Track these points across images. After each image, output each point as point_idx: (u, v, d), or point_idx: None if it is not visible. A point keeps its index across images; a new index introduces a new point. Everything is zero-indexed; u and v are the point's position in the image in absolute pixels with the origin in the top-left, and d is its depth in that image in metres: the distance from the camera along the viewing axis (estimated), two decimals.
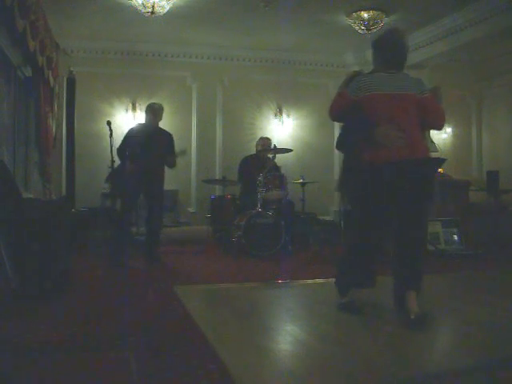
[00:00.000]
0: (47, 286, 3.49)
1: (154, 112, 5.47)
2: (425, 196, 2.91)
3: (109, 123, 5.33)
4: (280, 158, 6.51)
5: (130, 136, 5.36)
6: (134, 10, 5.85)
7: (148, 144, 5.25)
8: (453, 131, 9.11)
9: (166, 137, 5.55)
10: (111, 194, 5.79)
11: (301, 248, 6.24)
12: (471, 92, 9.14)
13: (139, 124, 5.67)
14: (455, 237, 6.04)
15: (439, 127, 3.12)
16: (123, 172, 5.15)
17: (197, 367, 2.11)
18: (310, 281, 4.38)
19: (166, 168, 5.55)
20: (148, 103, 5.73)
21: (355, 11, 6.37)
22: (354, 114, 2.96)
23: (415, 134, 2.88)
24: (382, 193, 2.89)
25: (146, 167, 5.18)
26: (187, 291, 3.82)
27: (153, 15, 5.72)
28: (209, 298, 3.84)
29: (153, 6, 5.60)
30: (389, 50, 2.92)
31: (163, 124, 7.86)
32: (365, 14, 6.34)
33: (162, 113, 5.55)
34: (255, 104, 8.27)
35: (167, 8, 5.74)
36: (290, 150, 6.43)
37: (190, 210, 8.01)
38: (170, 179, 7.75)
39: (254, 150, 7.13)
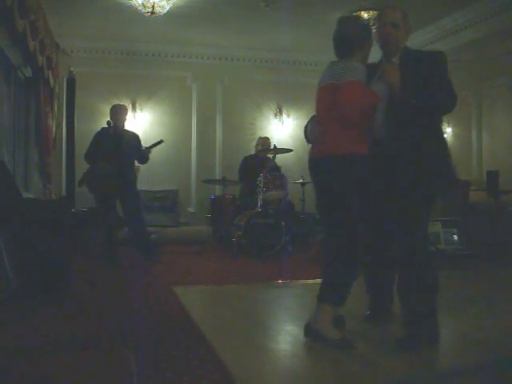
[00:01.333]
0: (47, 286, 3.50)
1: (122, 113, 5.45)
2: (328, 200, 2.61)
3: (109, 123, 5.33)
4: (280, 158, 6.50)
5: (100, 139, 5.30)
6: (133, 10, 5.85)
7: (117, 146, 5.25)
8: (453, 131, 9.11)
9: (136, 137, 5.55)
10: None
11: (301, 248, 6.24)
12: (471, 92, 9.14)
13: (106, 127, 5.45)
14: (455, 237, 6.04)
15: (346, 118, 2.50)
16: (96, 173, 5.15)
17: (197, 367, 2.11)
18: (310, 281, 4.37)
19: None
20: (113, 104, 5.66)
21: (355, 11, 6.37)
22: None
23: (329, 128, 2.58)
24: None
25: (118, 169, 5.16)
26: (187, 291, 3.82)
27: (153, 15, 5.72)
28: (209, 298, 3.84)
29: (153, 6, 5.60)
30: (332, 40, 2.71)
31: (163, 123, 7.90)
32: (365, 14, 6.35)
33: (127, 113, 5.57)
34: (255, 104, 8.27)
35: (167, 8, 5.74)
36: (290, 150, 6.43)
37: (190, 210, 8.01)
38: (170, 179, 7.80)
39: (254, 150, 7.14)
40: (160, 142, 5.48)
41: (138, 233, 5.39)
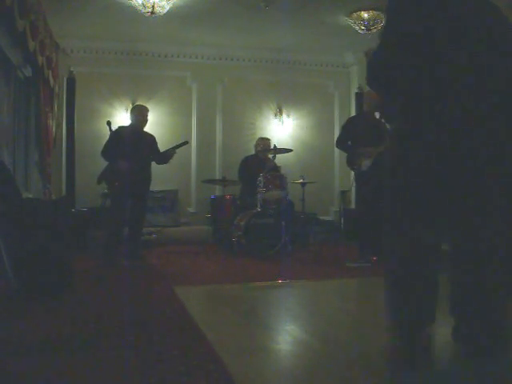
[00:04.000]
0: (47, 286, 3.50)
1: (143, 114, 5.48)
2: None
3: (109, 123, 5.34)
4: (280, 158, 6.50)
5: (119, 137, 5.30)
6: (133, 10, 5.85)
7: (138, 146, 5.29)
8: None
9: (153, 139, 5.60)
10: (109, 194, 5.72)
11: (301, 248, 6.24)
12: None
13: (126, 126, 5.56)
14: None
15: None
16: (116, 171, 5.17)
17: (197, 367, 2.11)
18: (310, 281, 4.37)
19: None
20: (136, 105, 5.72)
21: (355, 11, 6.36)
22: None
23: None
24: None
25: (135, 168, 5.20)
26: (187, 291, 3.82)
27: (153, 15, 5.72)
28: (209, 298, 3.84)
29: (153, 6, 5.60)
30: None
31: (163, 123, 7.90)
32: (365, 14, 6.34)
33: (147, 114, 5.60)
34: (255, 104, 8.27)
35: (167, 8, 5.74)
36: (290, 150, 6.43)
37: (190, 210, 8.02)
38: (170, 179, 7.79)
39: (254, 150, 7.15)
40: (185, 143, 5.54)
41: (134, 232, 5.40)
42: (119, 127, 5.48)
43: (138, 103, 5.90)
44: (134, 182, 5.19)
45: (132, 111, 5.59)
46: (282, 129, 8.30)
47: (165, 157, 5.48)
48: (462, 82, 1.95)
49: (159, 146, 5.62)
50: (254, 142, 7.24)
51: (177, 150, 5.53)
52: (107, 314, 3.12)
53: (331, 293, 3.37)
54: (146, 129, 5.63)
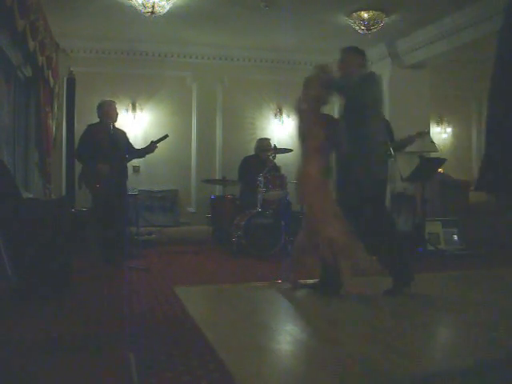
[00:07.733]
0: (47, 286, 3.50)
1: (116, 109, 5.46)
2: None
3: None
4: (280, 158, 6.50)
5: (94, 138, 5.24)
6: (133, 10, 5.85)
7: (117, 145, 5.28)
8: (453, 131, 9.10)
9: (125, 135, 5.60)
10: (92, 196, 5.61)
11: None
12: (471, 92, 9.13)
13: (98, 124, 5.42)
14: (455, 237, 6.05)
15: None
16: (97, 173, 5.13)
17: (197, 367, 2.11)
18: (309, 281, 4.37)
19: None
20: (105, 100, 5.60)
21: (355, 11, 6.36)
22: None
23: None
24: None
25: (117, 169, 5.23)
26: (187, 291, 3.82)
27: (153, 15, 5.72)
28: (209, 298, 3.84)
29: (153, 6, 5.59)
30: None
31: (163, 123, 7.90)
32: (365, 14, 6.34)
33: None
34: (255, 104, 8.26)
35: (167, 8, 5.73)
36: (290, 150, 6.43)
37: (190, 210, 8.01)
38: (170, 179, 7.79)
39: (254, 151, 7.15)
40: (165, 137, 5.53)
41: (121, 232, 5.36)
42: (91, 126, 5.34)
43: (105, 99, 5.70)
44: (115, 182, 5.19)
45: (103, 107, 5.43)
46: (282, 129, 8.30)
47: (145, 152, 5.49)
48: None
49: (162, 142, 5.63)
50: (254, 144, 7.24)
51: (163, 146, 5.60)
52: (107, 314, 3.12)
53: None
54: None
